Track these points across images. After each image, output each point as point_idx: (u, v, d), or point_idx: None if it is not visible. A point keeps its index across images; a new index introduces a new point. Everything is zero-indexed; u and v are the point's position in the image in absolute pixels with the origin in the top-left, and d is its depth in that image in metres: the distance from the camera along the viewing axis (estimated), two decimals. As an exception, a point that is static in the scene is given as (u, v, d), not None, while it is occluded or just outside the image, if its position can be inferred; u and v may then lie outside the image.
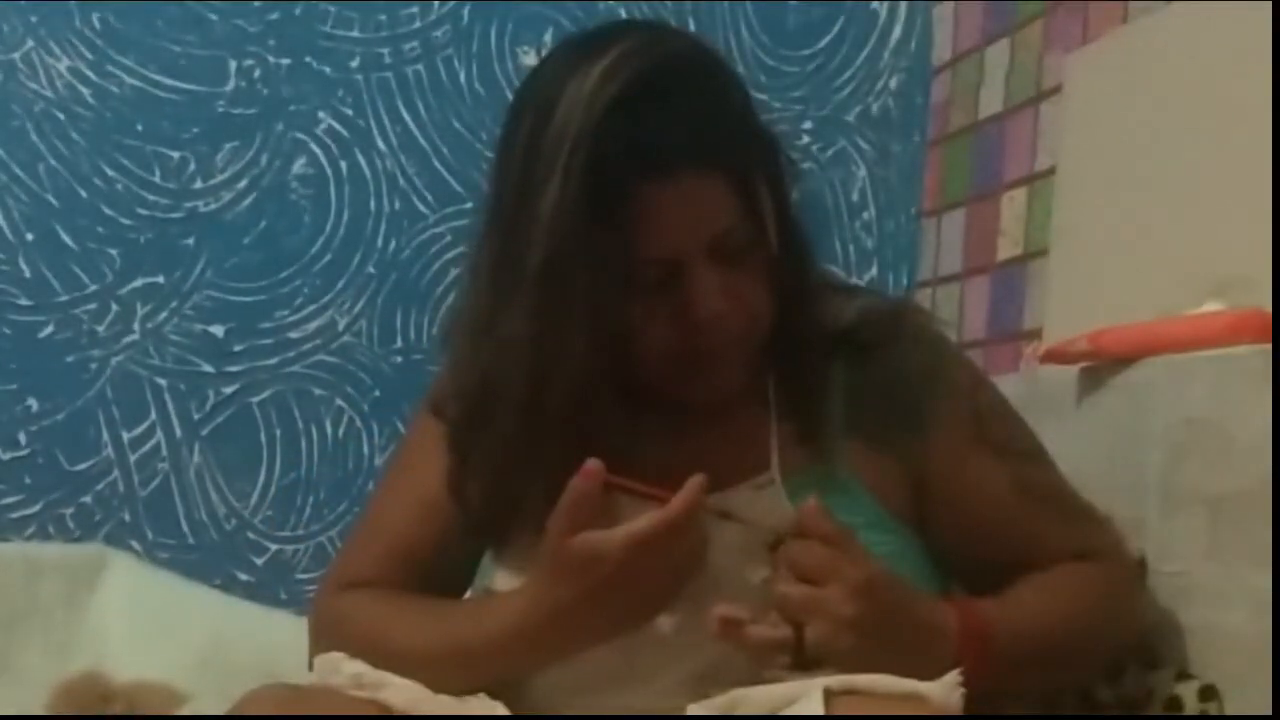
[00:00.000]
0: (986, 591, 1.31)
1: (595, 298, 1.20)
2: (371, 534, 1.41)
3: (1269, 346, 1.34)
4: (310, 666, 1.32)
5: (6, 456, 2.18)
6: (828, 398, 1.32)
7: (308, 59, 2.27)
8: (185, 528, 2.23)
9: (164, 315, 2.23)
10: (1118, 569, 1.37)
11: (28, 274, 2.19)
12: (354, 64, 2.29)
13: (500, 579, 1.32)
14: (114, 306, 2.21)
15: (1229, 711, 1.33)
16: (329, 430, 2.27)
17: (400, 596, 1.33)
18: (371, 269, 2.29)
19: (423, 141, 2.31)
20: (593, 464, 1.17)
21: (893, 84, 2.43)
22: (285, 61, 2.27)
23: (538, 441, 1.26)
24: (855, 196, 2.42)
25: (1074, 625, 1.30)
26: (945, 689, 1.09)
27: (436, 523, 1.36)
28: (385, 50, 2.30)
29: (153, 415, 2.22)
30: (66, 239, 2.20)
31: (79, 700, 1.82)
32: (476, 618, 1.26)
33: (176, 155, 2.24)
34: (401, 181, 2.30)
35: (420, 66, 2.31)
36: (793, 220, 1.32)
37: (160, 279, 2.23)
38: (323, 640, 1.33)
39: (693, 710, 1.16)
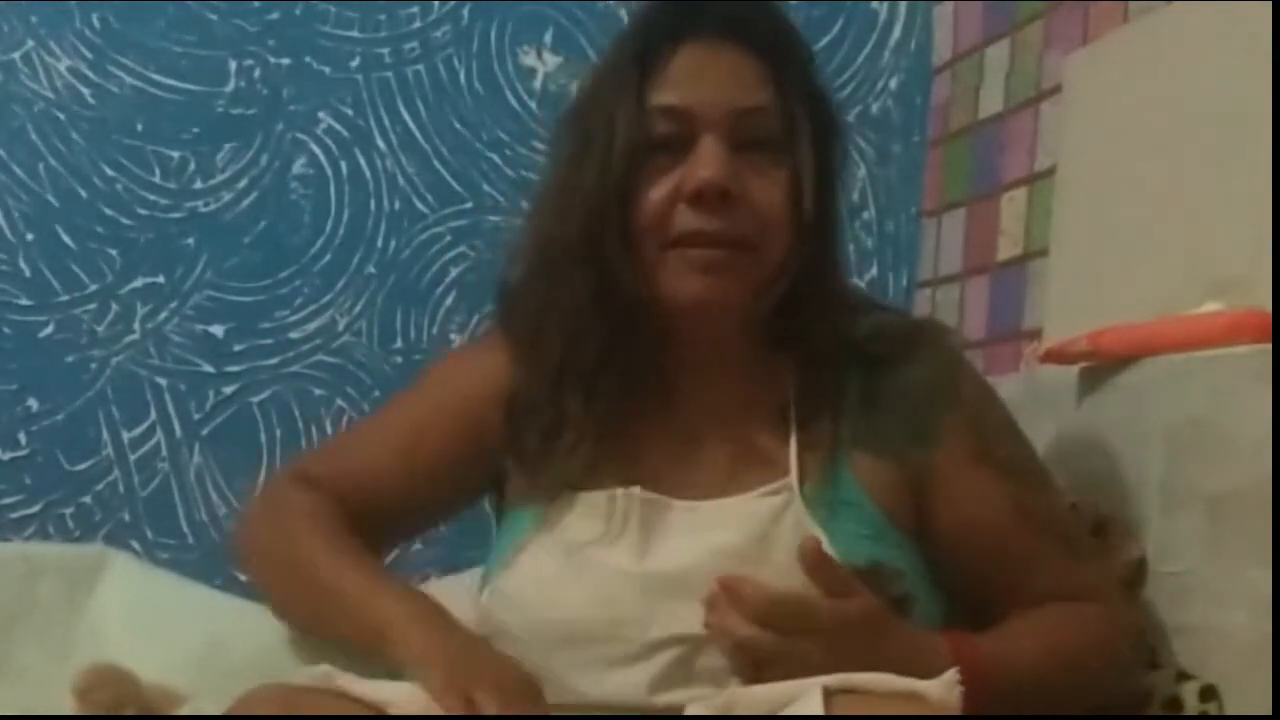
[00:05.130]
0: (982, 610, 1.32)
1: (610, 138, 1.25)
2: (347, 446, 1.48)
3: (1269, 346, 1.34)
4: (238, 536, 1.43)
5: (6, 456, 2.18)
6: (841, 407, 1.33)
7: (308, 59, 2.27)
8: (185, 528, 2.23)
9: (164, 315, 2.23)
10: (1114, 613, 1.35)
11: (28, 274, 2.19)
12: (354, 64, 2.29)
13: (547, 540, 1.32)
14: (114, 306, 2.21)
15: (1229, 711, 1.33)
16: (329, 430, 2.27)
17: (337, 522, 1.36)
18: (371, 269, 2.29)
19: (423, 141, 2.30)
20: None
21: (893, 84, 2.43)
22: (285, 61, 2.27)
23: (565, 286, 1.30)
24: (855, 196, 2.41)
25: (1066, 669, 1.29)
26: (944, 686, 1.09)
27: (409, 461, 1.39)
28: (385, 50, 2.30)
29: (153, 415, 2.22)
30: (66, 239, 2.20)
31: (111, 688, 1.82)
32: (369, 593, 1.28)
33: (176, 155, 2.24)
34: (401, 181, 2.30)
35: (420, 66, 2.31)
36: (831, 190, 1.34)
37: (160, 279, 2.23)
38: (261, 516, 1.41)
39: (691, 710, 1.16)
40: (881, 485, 1.31)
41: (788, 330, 1.34)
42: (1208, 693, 1.35)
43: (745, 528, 1.27)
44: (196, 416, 2.24)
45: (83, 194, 2.21)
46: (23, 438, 2.19)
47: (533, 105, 2.29)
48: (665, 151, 1.26)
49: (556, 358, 1.31)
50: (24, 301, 2.19)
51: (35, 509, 2.19)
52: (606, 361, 1.30)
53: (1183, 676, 1.38)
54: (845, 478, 1.31)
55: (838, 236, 1.37)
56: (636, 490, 1.30)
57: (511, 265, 1.38)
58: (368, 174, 2.29)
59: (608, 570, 1.27)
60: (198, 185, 2.24)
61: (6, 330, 2.19)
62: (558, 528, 1.31)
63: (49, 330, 2.20)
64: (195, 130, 2.24)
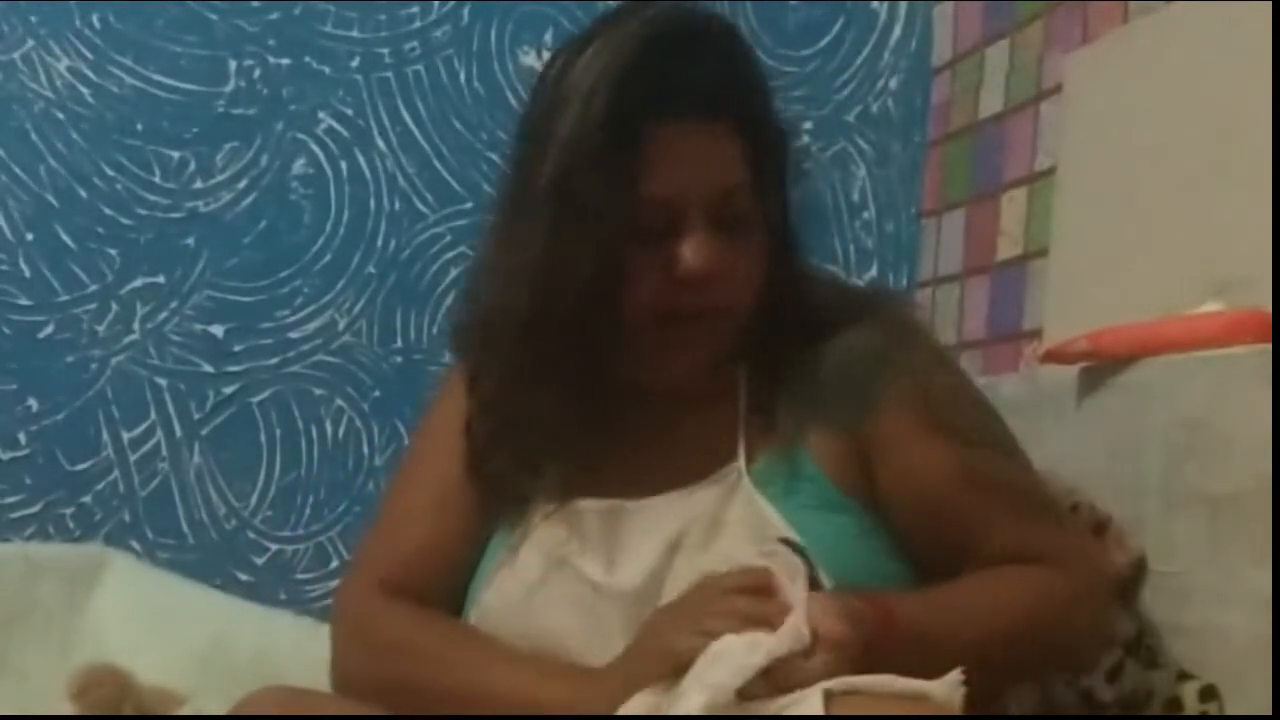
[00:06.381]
0: (945, 579, 1.30)
1: (599, 225, 1.23)
2: (396, 528, 1.41)
3: (1268, 346, 1.34)
4: (333, 664, 1.33)
5: (6, 456, 2.18)
6: (790, 383, 1.33)
7: (308, 59, 2.27)
8: (185, 528, 2.23)
9: (164, 315, 2.23)
10: (1071, 576, 1.31)
11: (28, 274, 2.19)
12: (354, 64, 2.29)
13: (524, 553, 1.32)
14: (114, 306, 2.21)
15: (1229, 711, 1.33)
16: (329, 430, 2.27)
17: (439, 622, 1.34)
18: (371, 269, 2.29)
19: (423, 141, 2.31)
20: None
21: (893, 84, 2.43)
22: (285, 61, 2.27)
23: (540, 367, 1.28)
24: (855, 196, 2.42)
25: (1001, 630, 1.25)
26: (948, 687, 1.08)
27: (457, 511, 1.37)
28: (385, 50, 2.30)
29: (153, 415, 2.22)
30: (66, 239, 2.20)
31: (105, 689, 1.82)
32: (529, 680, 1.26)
33: (176, 155, 2.24)
34: (401, 181, 2.30)
35: (420, 66, 2.31)
36: (790, 217, 1.34)
37: (160, 279, 2.23)
38: (354, 643, 1.34)
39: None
40: (833, 458, 1.31)
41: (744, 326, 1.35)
42: (1208, 693, 1.35)
43: (694, 516, 1.28)
44: (196, 416, 2.24)
45: (83, 194, 2.21)
46: (23, 438, 2.19)
47: (533, 105, 2.29)
48: (651, 233, 1.26)
49: (529, 422, 1.32)
50: (24, 301, 2.19)
51: (35, 509, 2.19)
52: (576, 416, 1.31)
53: (1183, 676, 1.38)
54: (800, 454, 1.31)
55: (799, 242, 1.37)
56: (591, 502, 1.31)
57: (472, 306, 1.38)
58: (368, 174, 2.29)
59: (583, 583, 1.29)
60: (198, 185, 2.24)
61: (6, 330, 2.19)
62: (530, 539, 1.33)
63: (49, 330, 2.20)
64: (195, 130, 2.24)
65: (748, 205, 1.29)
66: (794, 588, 1.15)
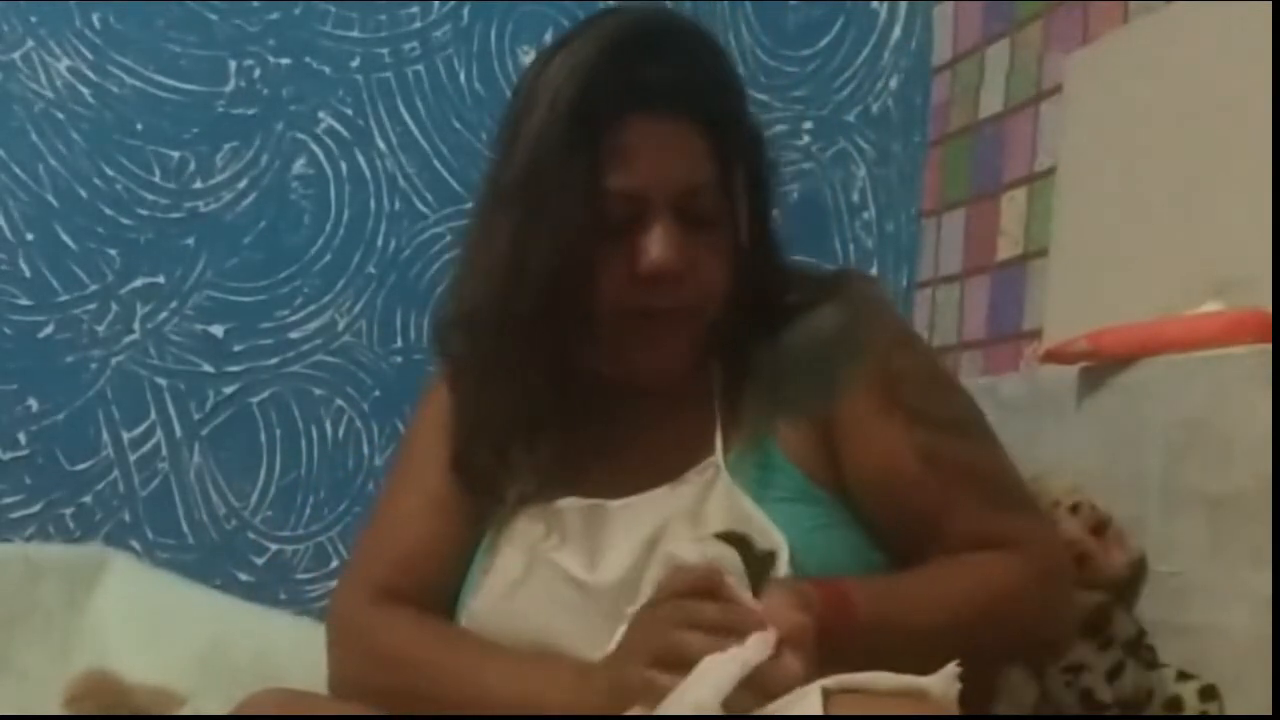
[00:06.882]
0: (908, 564, 1.29)
1: (562, 218, 1.24)
2: (386, 534, 1.42)
3: (1268, 346, 1.34)
4: (330, 671, 1.33)
5: (6, 456, 2.18)
6: (760, 374, 1.33)
7: (308, 59, 2.27)
8: (185, 528, 2.23)
9: (164, 315, 2.23)
10: (1037, 563, 1.30)
11: (28, 274, 2.19)
12: (354, 64, 2.29)
13: (505, 552, 1.33)
14: (114, 306, 2.21)
15: (1229, 711, 1.33)
16: (329, 430, 2.27)
17: (433, 627, 1.34)
18: (371, 269, 2.29)
19: (423, 141, 2.31)
20: None
21: (893, 84, 2.43)
22: (285, 61, 2.27)
23: (510, 362, 1.29)
24: (855, 196, 2.42)
25: (961, 616, 1.24)
26: (944, 681, 1.07)
27: (448, 512, 1.37)
28: (385, 50, 2.30)
29: (153, 415, 2.22)
30: (66, 239, 2.20)
31: (100, 697, 1.82)
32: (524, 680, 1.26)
33: (176, 155, 2.24)
34: (401, 181, 2.30)
35: (420, 66, 2.31)
36: (769, 222, 1.35)
37: (160, 279, 2.23)
38: (349, 650, 1.34)
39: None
40: (800, 446, 1.31)
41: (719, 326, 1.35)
42: (1208, 693, 1.35)
43: (674, 511, 1.29)
44: (196, 416, 2.24)
45: (83, 194, 2.21)
46: (23, 438, 2.19)
47: (533, 105, 2.29)
48: (616, 227, 1.27)
49: (504, 416, 1.33)
50: (24, 301, 2.19)
51: (35, 509, 2.19)
52: (549, 410, 1.32)
53: (1183, 676, 1.38)
54: (768, 444, 1.31)
55: (775, 251, 1.38)
56: (572, 501, 1.32)
57: (452, 302, 1.39)
58: (368, 174, 2.29)
59: (566, 580, 1.29)
60: (198, 185, 2.24)
61: (6, 330, 2.19)
62: (510, 537, 1.33)
63: (49, 330, 2.20)
64: (195, 130, 2.24)
65: (714, 204, 1.29)
66: (739, 587, 1.14)
